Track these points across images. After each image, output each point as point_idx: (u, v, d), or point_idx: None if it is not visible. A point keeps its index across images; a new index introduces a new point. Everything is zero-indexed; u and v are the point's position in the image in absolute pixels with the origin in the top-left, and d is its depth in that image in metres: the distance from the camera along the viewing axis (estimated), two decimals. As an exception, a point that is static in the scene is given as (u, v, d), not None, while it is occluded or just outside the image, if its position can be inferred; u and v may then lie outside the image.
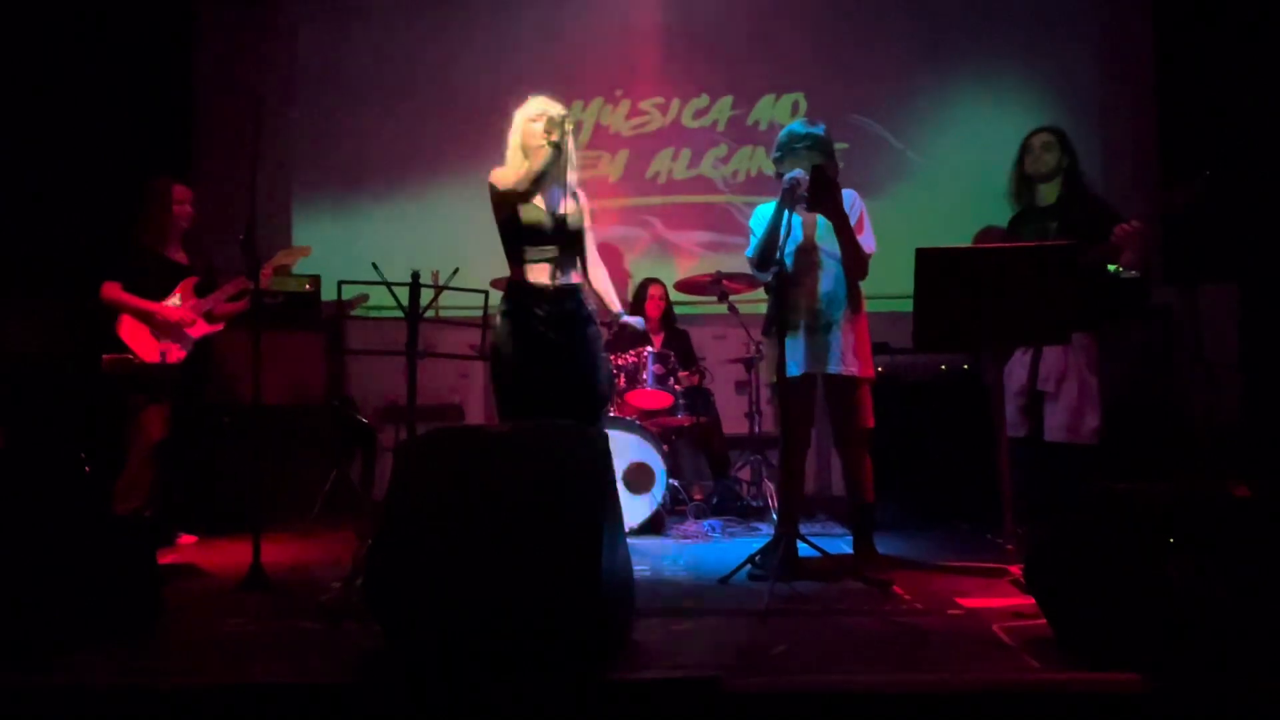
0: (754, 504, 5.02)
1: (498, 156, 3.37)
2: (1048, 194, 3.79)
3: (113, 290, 4.14)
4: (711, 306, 5.19)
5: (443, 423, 5.30)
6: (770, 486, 4.84)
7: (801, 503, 3.99)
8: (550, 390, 3.24)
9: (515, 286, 3.34)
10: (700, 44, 6.13)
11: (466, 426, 5.17)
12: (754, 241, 3.55)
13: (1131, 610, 2.19)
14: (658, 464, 4.49)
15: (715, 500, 5.02)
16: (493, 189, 3.30)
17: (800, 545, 3.38)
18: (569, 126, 3.27)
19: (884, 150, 6.01)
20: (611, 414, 4.53)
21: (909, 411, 4.71)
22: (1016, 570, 3.02)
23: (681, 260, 6.08)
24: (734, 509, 4.96)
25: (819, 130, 3.55)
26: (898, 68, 6.04)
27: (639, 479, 4.47)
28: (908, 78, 6.03)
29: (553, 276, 3.30)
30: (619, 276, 5.86)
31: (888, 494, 3.80)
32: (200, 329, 4.25)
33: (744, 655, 2.41)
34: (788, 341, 3.44)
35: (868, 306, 3.60)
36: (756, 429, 5.23)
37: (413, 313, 3.33)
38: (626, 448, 4.42)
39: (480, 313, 3.51)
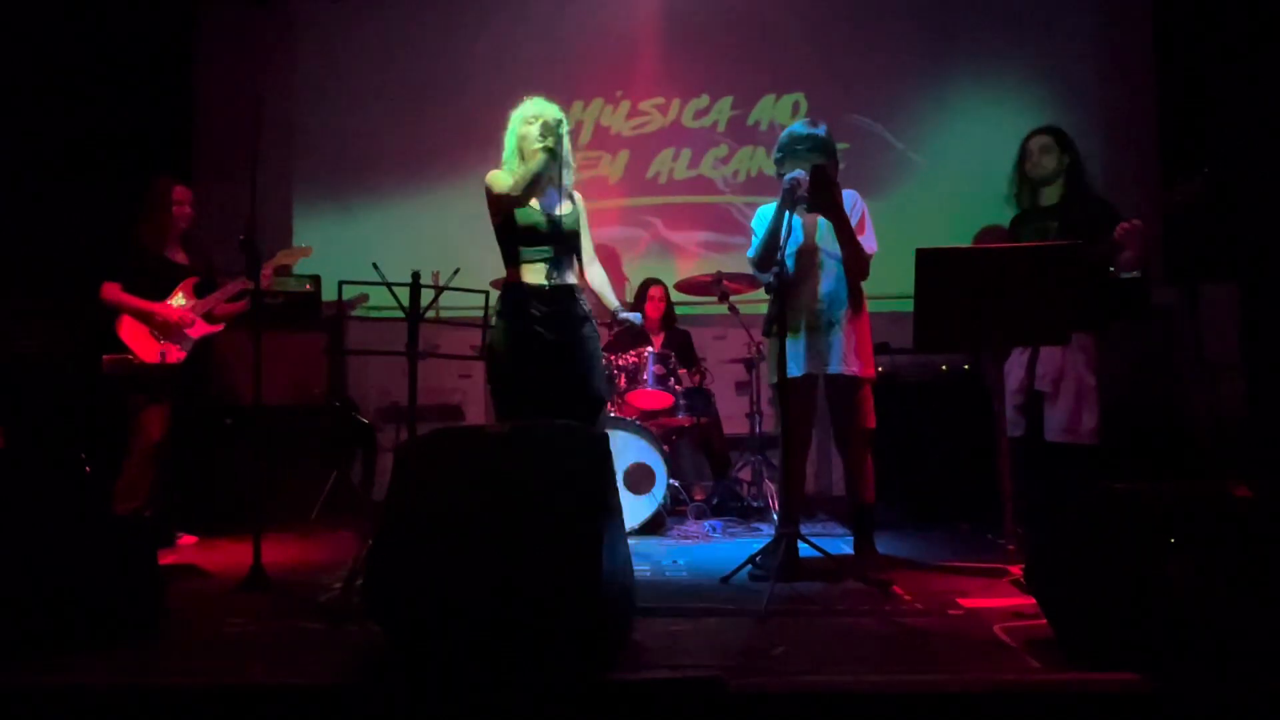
0: (754, 504, 5.01)
1: (498, 156, 3.37)
2: (1050, 195, 3.79)
3: (113, 290, 4.14)
4: (712, 307, 5.19)
5: (443, 423, 5.30)
6: (771, 487, 4.83)
7: (802, 503, 3.99)
8: (547, 390, 3.23)
9: (511, 286, 3.34)
10: (700, 44, 6.12)
11: (466, 426, 5.18)
12: (755, 242, 3.55)
13: (1131, 610, 2.19)
14: (658, 464, 4.49)
15: (716, 500, 5.02)
16: (489, 192, 3.29)
17: (801, 545, 3.38)
18: (564, 130, 3.26)
19: (884, 150, 6.01)
20: (612, 414, 4.54)
21: (909, 411, 4.71)
22: (1017, 570, 3.02)
23: (682, 260, 6.07)
24: (734, 509, 4.96)
25: (820, 131, 3.53)
26: (898, 68, 6.04)
27: (639, 479, 4.47)
28: (908, 78, 6.03)
29: (549, 277, 3.29)
30: (619, 277, 5.87)
31: (888, 494, 3.79)
32: (200, 329, 4.25)
33: (744, 655, 2.40)
34: (789, 342, 3.44)
35: (869, 306, 3.60)
36: (757, 429, 5.22)
37: (413, 313, 3.33)
38: (627, 448, 4.42)
39: (480, 313, 3.50)
